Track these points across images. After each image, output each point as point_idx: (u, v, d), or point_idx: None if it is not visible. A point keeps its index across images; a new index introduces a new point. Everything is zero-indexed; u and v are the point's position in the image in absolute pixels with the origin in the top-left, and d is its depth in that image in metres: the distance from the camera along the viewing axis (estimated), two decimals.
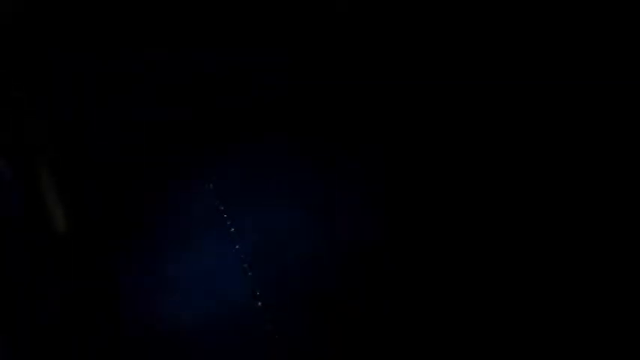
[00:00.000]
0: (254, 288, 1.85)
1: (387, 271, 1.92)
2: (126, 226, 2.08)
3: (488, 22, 2.14)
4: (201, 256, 1.99)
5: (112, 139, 2.22)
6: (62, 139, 2.09)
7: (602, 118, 2.03)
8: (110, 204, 2.14)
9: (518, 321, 1.72)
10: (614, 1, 1.99)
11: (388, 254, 1.97)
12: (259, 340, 1.72)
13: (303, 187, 2.18)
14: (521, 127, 2.11)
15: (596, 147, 2.00)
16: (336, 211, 2.11)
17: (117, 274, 1.91)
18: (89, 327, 1.72)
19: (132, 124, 2.25)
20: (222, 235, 2.05)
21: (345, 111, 2.29)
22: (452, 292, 1.84)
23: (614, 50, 2.01)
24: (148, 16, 2.14)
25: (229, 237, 2.03)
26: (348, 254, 1.97)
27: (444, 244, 1.97)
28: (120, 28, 2.13)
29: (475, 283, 1.84)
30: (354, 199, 2.13)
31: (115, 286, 1.86)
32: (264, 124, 2.34)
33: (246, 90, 2.34)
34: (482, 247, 1.93)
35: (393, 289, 1.86)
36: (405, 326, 1.74)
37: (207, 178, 2.22)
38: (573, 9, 2.04)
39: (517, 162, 2.07)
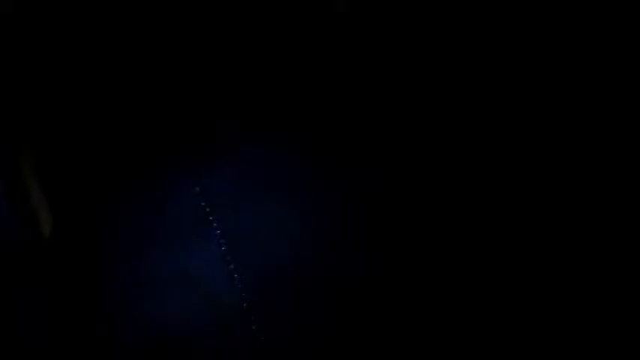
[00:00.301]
0: (241, 289, 1.85)
1: (382, 271, 1.92)
2: (113, 228, 2.09)
3: (488, 23, 2.14)
4: (189, 257, 1.99)
5: (99, 142, 2.22)
6: (47, 143, 2.09)
7: (602, 118, 2.02)
8: (96, 206, 2.14)
9: (517, 321, 1.72)
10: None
11: (382, 253, 1.96)
12: (247, 340, 1.72)
13: (294, 186, 2.18)
14: (520, 127, 2.11)
15: (596, 147, 2.00)
16: (328, 211, 2.11)
17: (103, 278, 1.91)
18: (75, 332, 1.72)
19: (119, 126, 2.25)
20: (209, 236, 2.05)
21: (340, 110, 2.29)
22: (446, 291, 1.83)
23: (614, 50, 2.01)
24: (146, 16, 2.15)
25: (216, 238, 2.04)
26: (341, 253, 1.97)
27: (439, 244, 1.96)
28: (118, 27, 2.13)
29: (471, 284, 1.84)
30: (348, 199, 2.13)
31: (101, 289, 1.87)
32: (259, 124, 2.34)
33: (242, 89, 2.34)
34: (480, 248, 1.93)
35: (388, 289, 1.85)
36: (401, 328, 1.74)
37: (195, 178, 2.22)
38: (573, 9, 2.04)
39: (516, 162, 2.07)
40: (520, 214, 1.99)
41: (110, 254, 2.00)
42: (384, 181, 2.19)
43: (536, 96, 2.12)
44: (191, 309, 1.82)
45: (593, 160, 2.01)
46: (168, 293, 1.88)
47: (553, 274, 1.82)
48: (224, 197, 2.19)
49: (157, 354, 1.67)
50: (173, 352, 1.68)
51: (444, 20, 2.18)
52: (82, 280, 1.86)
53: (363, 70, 2.30)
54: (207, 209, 2.06)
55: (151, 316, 1.81)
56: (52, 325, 1.70)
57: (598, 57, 2.05)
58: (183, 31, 2.19)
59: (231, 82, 2.36)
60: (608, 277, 1.78)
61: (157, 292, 1.89)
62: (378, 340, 1.70)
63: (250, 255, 1.99)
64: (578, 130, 2.05)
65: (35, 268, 1.86)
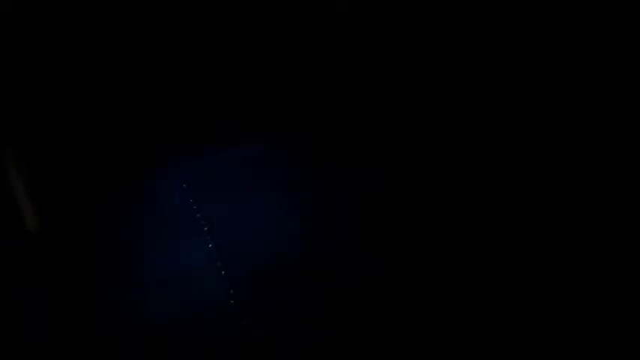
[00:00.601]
0: (230, 286, 1.85)
1: (376, 271, 1.92)
2: (109, 228, 2.08)
3: (487, 23, 2.14)
4: (181, 254, 1.99)
5: (90, 139, 2.22)
6: (38, 141, 2.09)
7: (602, 118, 2.02)
8: (93, 206, 2.13)
9: (516, 319, 1.72)
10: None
11: (381, 252, 1.96)
12: (238, 337, 1.72)
13: (293, 186, 2.18)
14: (520, 127, 2.10)
15: (595, 147, 2.00)
16: (327, 210, 2.11)
17: (97, 276, 1.91)
18: (70, 330, 1.72)
19: (110, 123, 2.25)
20: (199, 233, 2.05)
21: (340, 110, 2.29)
22: (445, 290, 1.83)
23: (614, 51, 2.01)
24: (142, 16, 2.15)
25: (206, 235, 2.04)
26: (340, 252, 1.97)
27: (438, 243, 1.96)
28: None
29: (470, 282, 1.84)
30: (347, 199, 2.13)
31: (94, 287, 1.86)
32: (259, 124, 2.34)
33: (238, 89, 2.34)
34: (479, 247, 1.93)
35: (382, 289, 1.85)
36: (400, 327, 1.74)
37: (185, 176, 2.22)
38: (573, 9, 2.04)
39: (515, 162, 2.07)
40: (519, 213, 1.99)
41: (107, 253, 2.00)
42: (384, 181, 2.19)
43: (534, 96, 2.12)
44: (190, 307, 1.82)
45: (591, 160, 2.01)
46: (166, 291, 1.88)
47: (551, 274, 1.82)
48: (224, 197, 2.19)
49: (154, 351, 1.67)
50: (171, 349, 1.68)
51: (444, 20, 2.17)
52: (78, 278, 1.86)
53: (363, 70, 2.29)
54: (199, 209, 2.06)
55: (148, 314, 1.81)
56: (51, 324, 1.70)
57: (598, 57, 2.05)
58: (182, 31, 2.19)
59: (231, 82, 2.36)
60: (607, 277, 1.78)
61: (155, 290, 1.89)
62: (377, 339, 1.70)
63: (248, 254, 1.99)
64: (577, 130, 2.05)
65: (30, 268, 1.86)
